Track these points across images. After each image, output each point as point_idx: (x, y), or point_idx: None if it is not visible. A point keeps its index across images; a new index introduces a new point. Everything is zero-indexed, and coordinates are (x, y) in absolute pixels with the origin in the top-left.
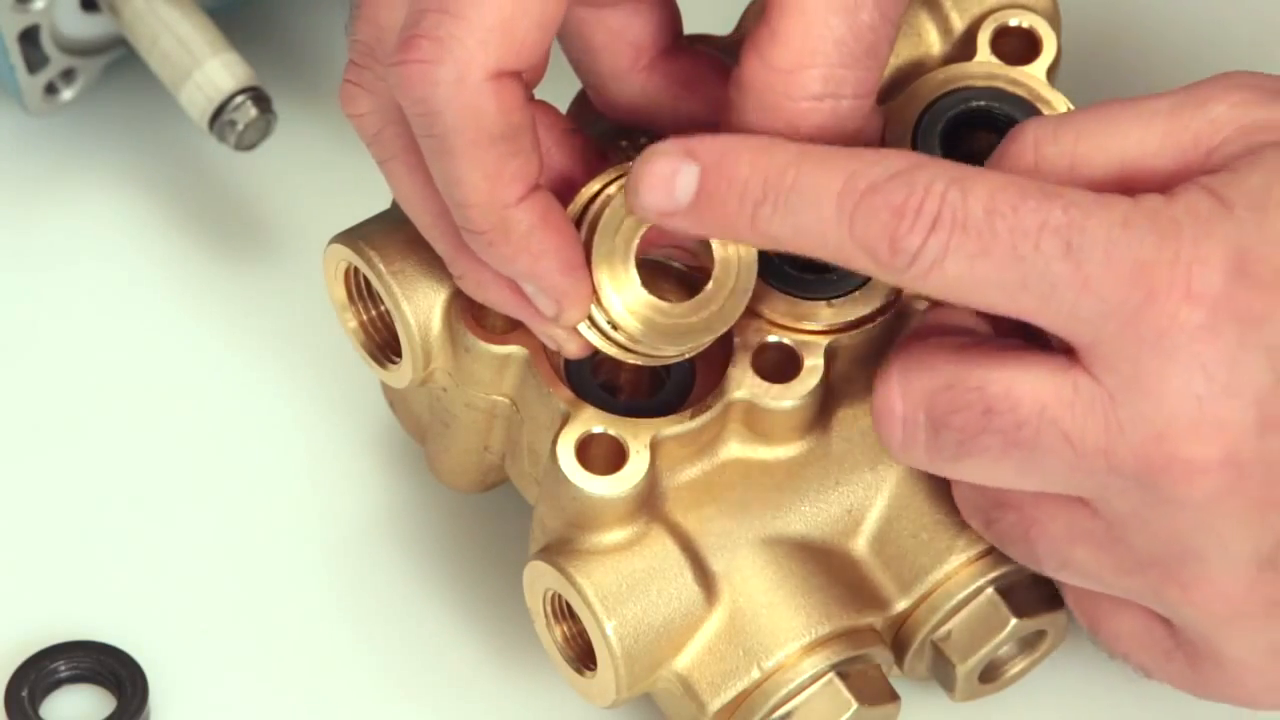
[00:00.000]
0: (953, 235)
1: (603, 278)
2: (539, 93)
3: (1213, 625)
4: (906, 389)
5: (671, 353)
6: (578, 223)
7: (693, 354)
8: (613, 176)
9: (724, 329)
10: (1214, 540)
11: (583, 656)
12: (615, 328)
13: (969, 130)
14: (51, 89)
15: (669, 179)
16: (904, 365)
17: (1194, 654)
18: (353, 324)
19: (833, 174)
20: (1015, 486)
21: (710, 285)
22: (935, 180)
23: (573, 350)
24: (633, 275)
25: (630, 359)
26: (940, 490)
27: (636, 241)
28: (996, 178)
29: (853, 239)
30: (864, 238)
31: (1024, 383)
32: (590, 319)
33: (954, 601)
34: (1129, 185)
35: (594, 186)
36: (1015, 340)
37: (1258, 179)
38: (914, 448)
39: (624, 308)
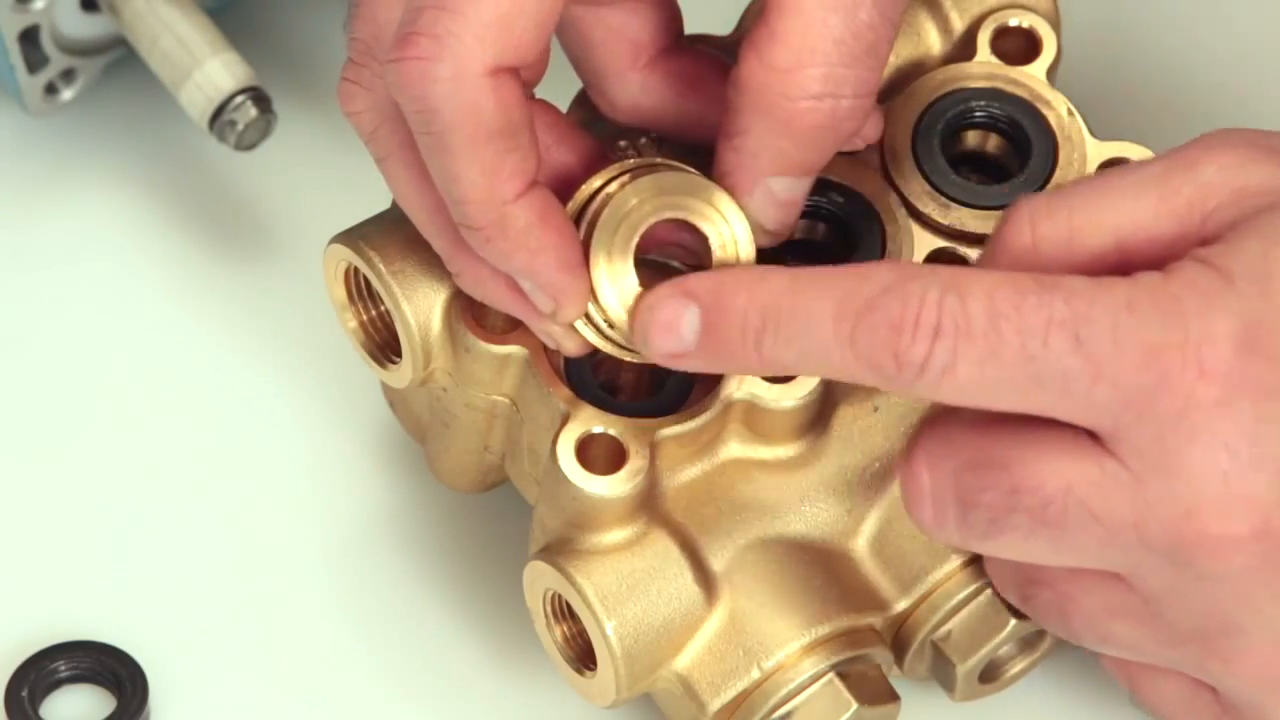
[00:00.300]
0: (958, 342)
1: (600, 275)
2: (539, 92)
3: (1259, 694)
4: (934, 467)
5: None
6: (577, 220)
7: None
8: (613, 174)
9: None
10: (1252, 612)
11: (583, 656)
12: (612, 326)
13: (968, 130)
14: (51, 89)
15: (674, 324)
16: (930, 443)
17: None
18: (353, 324)
19: (825, 298)
20: (1050, 563)
21: None
22: (929, 289)
23: (570, 348)
24: (630, 273)
25: (627, 357)
26: None
27: (635, 240)
28: (990, 277)
29: (856, 359)
30: (867, 356)
31: (1048, 462)
32: (587, 317)
33: (954, 601)
34: (1128, 256)
35: (594, 184)
36: (1040, 417)
37: (1254, 246)
38: (945, 526)
39: (621, 306)
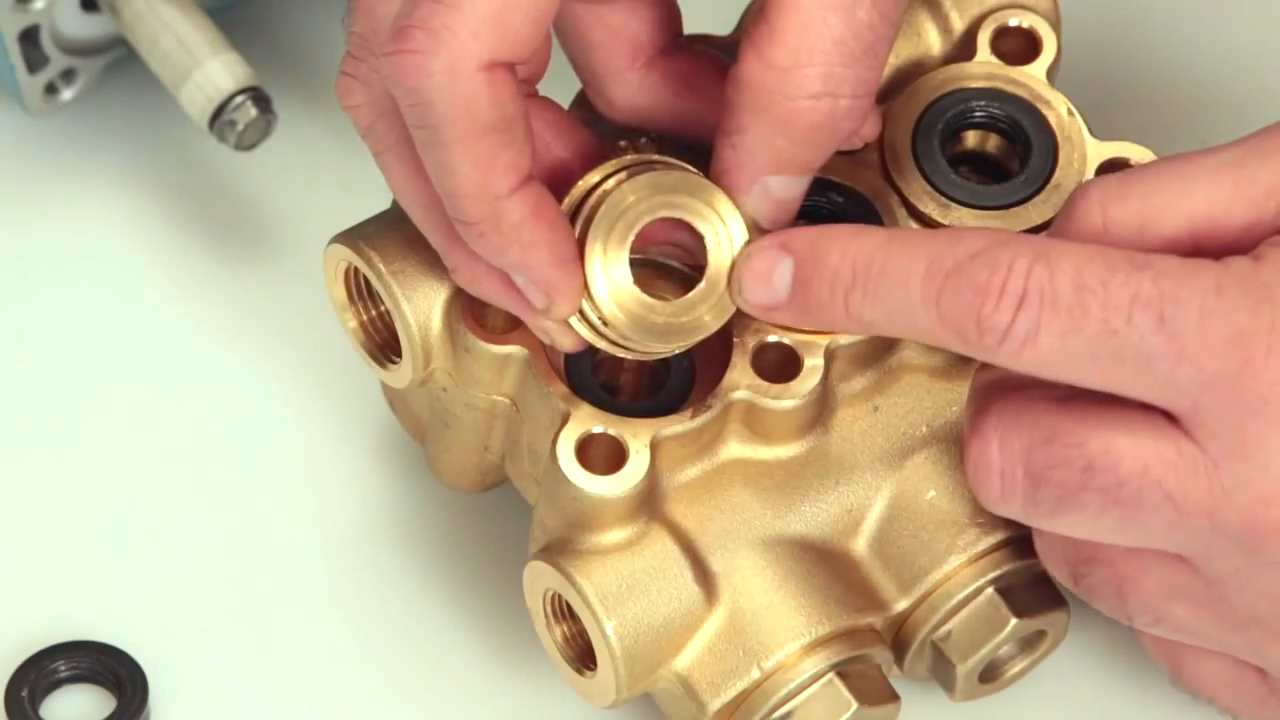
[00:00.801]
0: (1042, 312)
1: (595, 271)
2: (540, 90)
3: None
4: (1005, 442)
5: (662, 349)
6: (573, 217)
7: (683, 349)
8: (609, 171)
9: (715, 329)
10: None
11: (583, 656)
12: (606, 323)
13: (968, 130)
14: (51, 89)
15: (768, 275)
16: (1002, 417)
17: None
18: (353, 324)
19: (916, 258)
20: (1112, 541)
21: (702, 285)
22: (1018, 257)
23: (565, 344)
24: (625, 271)
25: (622, 354)
26: (940, 490)
27: (631, 237)
28: (1080, 250)
29: (941, 321)
30: (951, 319)
31: (1126, 441)
32: (582, 313)
33: (954, 601)
34: (1201, 243)
35: (590, 180)
36: (1116, 397)
37: None
38: (1011, 501)
39: (614, 303)
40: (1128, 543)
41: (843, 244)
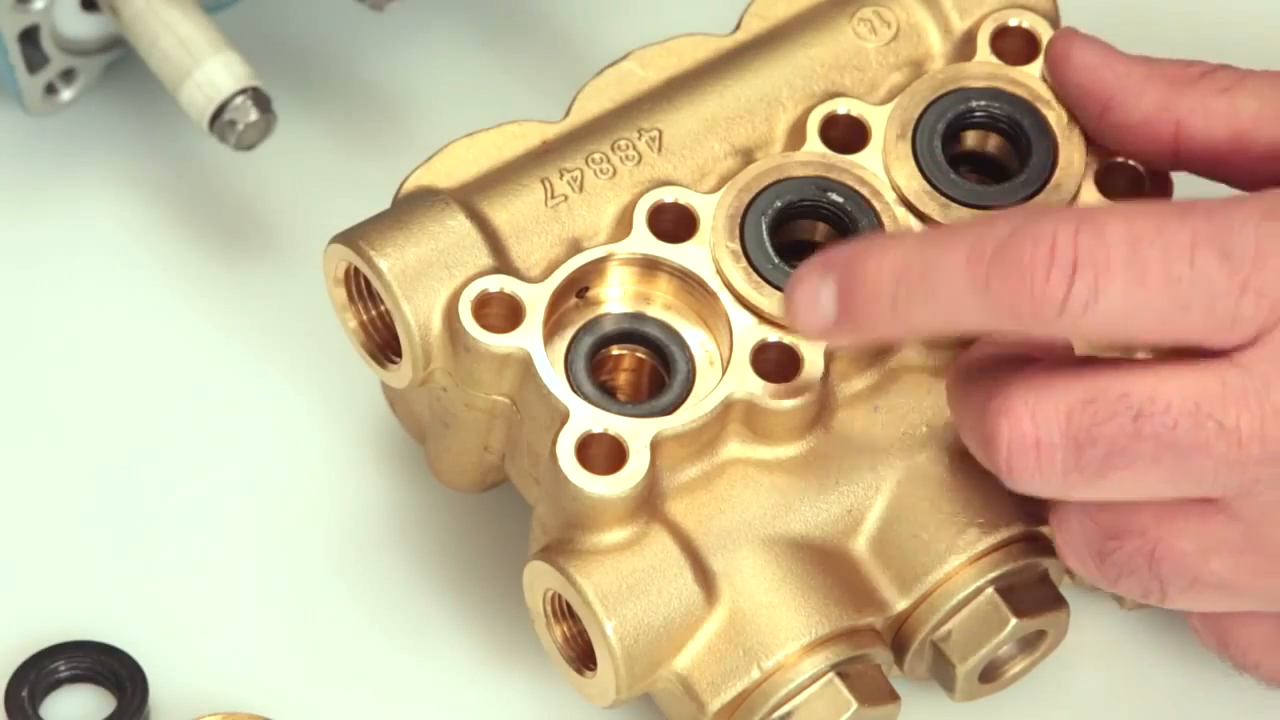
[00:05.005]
0: (1098, 275)
1: None
2: (543, 91)
3: None
4: (1039, 412)
5: None
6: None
7: None
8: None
9: None
10: None
11: (583, 656)
12: None
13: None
14: (51, 89)
15: (814, 299)
16: (1030, 389)
17: None
18: (353, 324)
19: (955, 250)
20: (1152, 495)
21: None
22: (1060, 225)
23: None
24: None
25: None
26: (940, 490)
27: None
28: (1127, 208)
29: (993, 306)
30: (1003, 300)
31: (1170, 383)
32: None
33: (954, 601)
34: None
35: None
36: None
37: None
38: (1050, 471)
39: None
40: (1172, 493)
41: (877, 252)
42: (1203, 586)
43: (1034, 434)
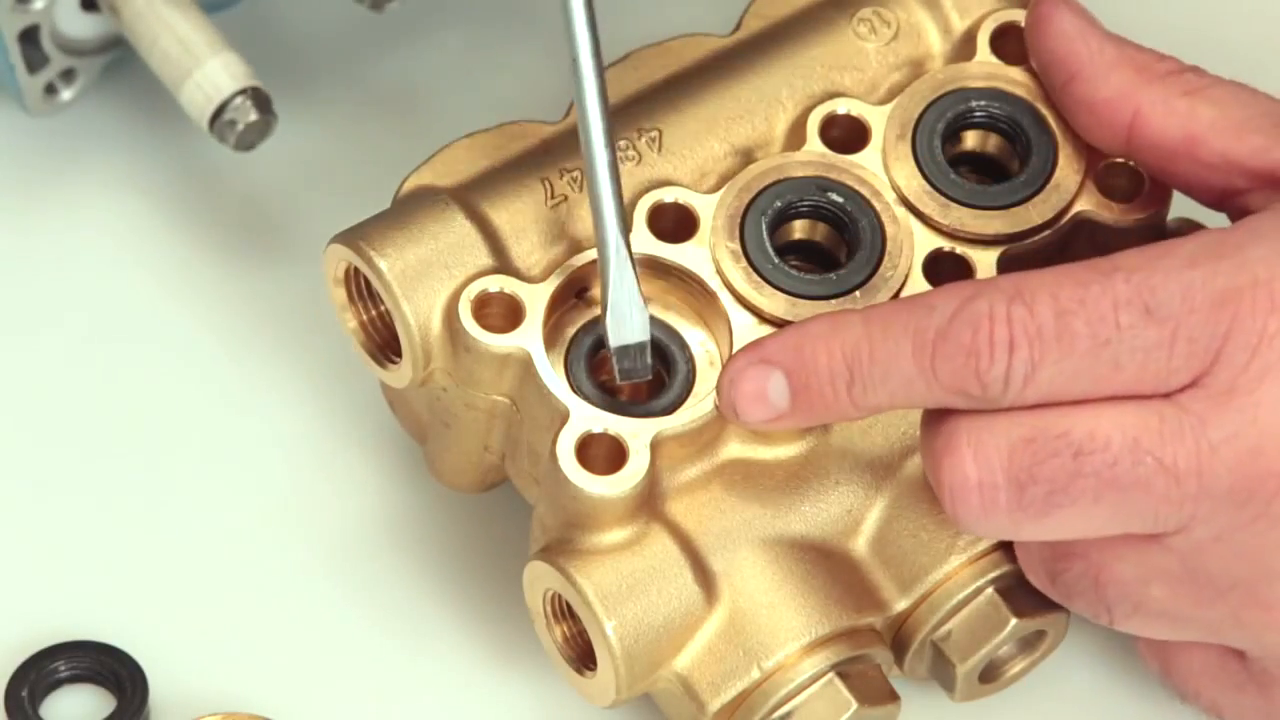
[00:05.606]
0: (1032, 350)
1: None
2: (540, 89)
3: None
4: (980, 454)
5: None
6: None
7: None
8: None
9: None
10: None
11: (583, 656)
12: None
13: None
14: (51, 89)
15: (762, 393)
16: (970, 432)
17: (1267, 682)
18: (353, 324)
19: (899, 338)
20: (1098, 533)
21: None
22: (994, 305)
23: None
24: None
25: None
26: None
27: None
28: (1048, 277)
29: (942, 388)
30: (951, 384)
31: (1109, 421)
32: None
33: (954, 601)
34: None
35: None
36: None
37: None
38: (993, 512)
39: None
40: (1114, 529)
41: (825, 343)
42: (1146, 613)
43: (976, 475)
